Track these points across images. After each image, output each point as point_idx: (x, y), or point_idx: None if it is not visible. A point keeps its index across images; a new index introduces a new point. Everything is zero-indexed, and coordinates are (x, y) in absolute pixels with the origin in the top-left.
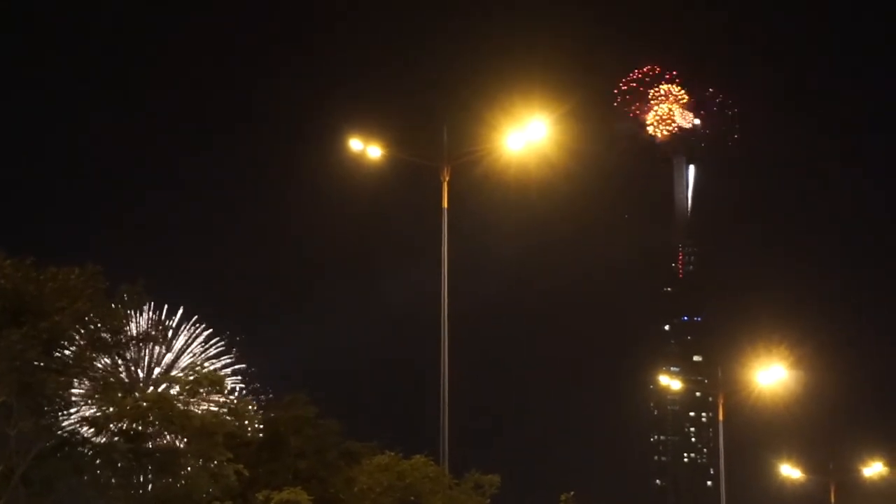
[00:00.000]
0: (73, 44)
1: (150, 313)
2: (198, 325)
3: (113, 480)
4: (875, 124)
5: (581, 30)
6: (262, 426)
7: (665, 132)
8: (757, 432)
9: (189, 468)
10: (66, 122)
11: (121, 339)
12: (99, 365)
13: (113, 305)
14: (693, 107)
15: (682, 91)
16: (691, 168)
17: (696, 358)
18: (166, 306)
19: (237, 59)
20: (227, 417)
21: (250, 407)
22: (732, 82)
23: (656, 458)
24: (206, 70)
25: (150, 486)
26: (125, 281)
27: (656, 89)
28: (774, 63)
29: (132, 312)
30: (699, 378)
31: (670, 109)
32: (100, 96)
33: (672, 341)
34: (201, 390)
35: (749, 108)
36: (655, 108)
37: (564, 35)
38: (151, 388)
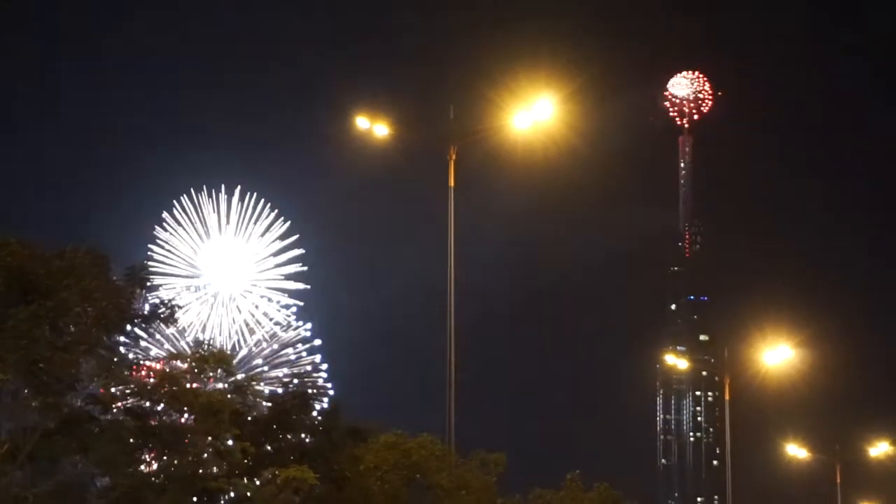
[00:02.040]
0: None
1: (153, 291)
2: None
3: (120, 458)
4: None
5: (588, 8)
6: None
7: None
8: (763, 412)
9: (196, 446)
10: (65, 92)
11: (127, 317)
12: (106, 342)
13: (119, 284)
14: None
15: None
16: (699, 147)
17: (702, 337)
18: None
19: (238, 33)
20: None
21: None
22: (741, 57)
23: (662, 437)
24: (208, 43)
25: (157, 464)
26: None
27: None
28: (785, 40)
29: (138, 290)
30: (705, 357)
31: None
32: (96, 65)
33: (678, 321)
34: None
35: (759, 84)
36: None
37: (572, 13)
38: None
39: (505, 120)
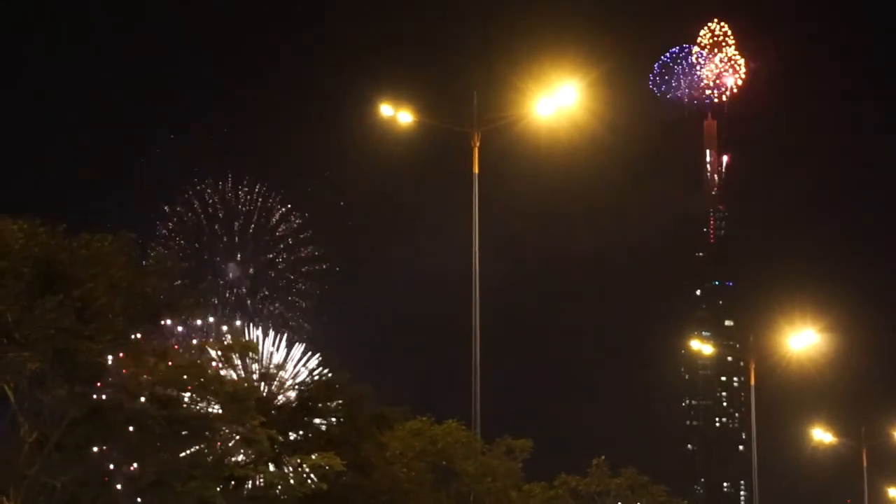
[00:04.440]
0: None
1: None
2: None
3: (147, 447)
4: None
5: None
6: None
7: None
8: (789, 397)
9: (222, 434)
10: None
11: (153, 307)
12: (132, 331)
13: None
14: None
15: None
16: (724, 131)
17: (727, 322)
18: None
19: (261, 21)
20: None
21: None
22: (765, 38)
23: (688, 422)
24: (231, 27)
25: (183, 452)
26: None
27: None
28: (815, 20)
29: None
30: (731, 343)
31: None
32: (117, 51)
33: (703, 306)
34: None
35: (787, 66)
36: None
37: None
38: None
39: (529, 106)
